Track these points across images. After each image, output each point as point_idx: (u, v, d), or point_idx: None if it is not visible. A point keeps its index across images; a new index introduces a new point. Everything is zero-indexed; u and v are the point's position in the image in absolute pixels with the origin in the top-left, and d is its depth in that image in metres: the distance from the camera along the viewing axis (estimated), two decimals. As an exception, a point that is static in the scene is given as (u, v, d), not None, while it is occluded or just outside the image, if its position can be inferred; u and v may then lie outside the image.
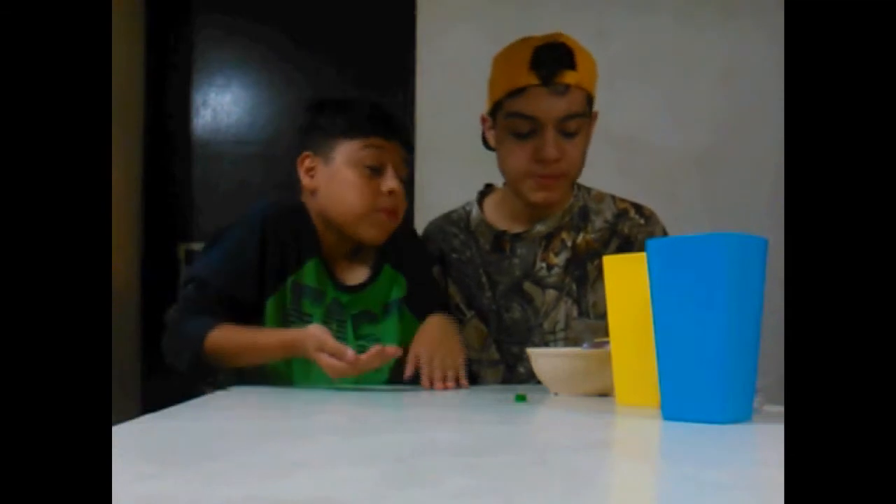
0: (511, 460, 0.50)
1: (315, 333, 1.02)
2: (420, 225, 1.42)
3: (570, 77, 1.17)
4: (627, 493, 0.42)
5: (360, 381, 1.09)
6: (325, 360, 1.00)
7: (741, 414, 0.68)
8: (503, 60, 1.23)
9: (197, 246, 2.37)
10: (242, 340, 1.08)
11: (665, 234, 1.31)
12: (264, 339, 1.09)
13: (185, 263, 2.38)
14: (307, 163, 1.20)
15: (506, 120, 1.21)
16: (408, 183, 1.24)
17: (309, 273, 1.16)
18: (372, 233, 1.17)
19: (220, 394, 1.00)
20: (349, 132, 1.16)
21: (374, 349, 1.00)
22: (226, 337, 1.07)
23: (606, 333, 0.87)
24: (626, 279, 0.83)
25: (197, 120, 2.46)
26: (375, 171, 1.16)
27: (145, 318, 2.33)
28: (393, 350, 1.01)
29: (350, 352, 0.98)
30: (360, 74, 2.43)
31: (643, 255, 0.72)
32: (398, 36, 2.44)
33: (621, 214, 1.31)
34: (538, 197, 1.23)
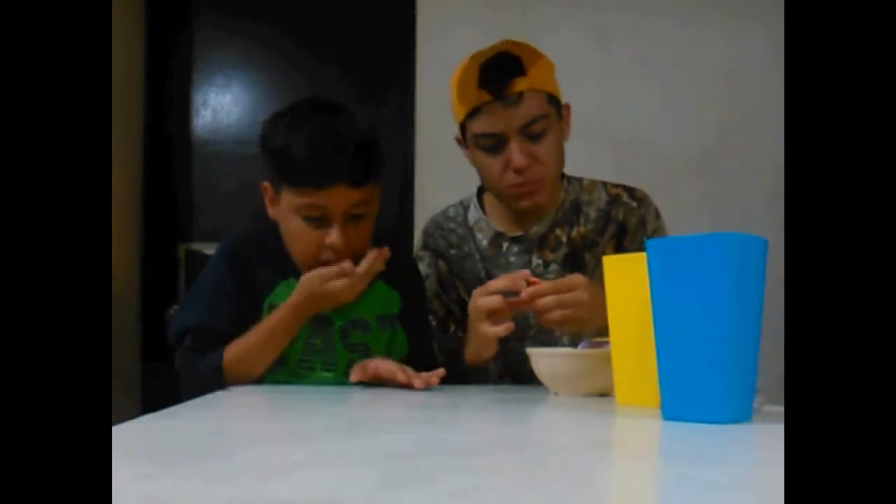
0: (511, 460, 0.50)
1: (309, 277, 1.07)
2: (420, 224, 1.42)
3: (520, 84, 1.17)
4: (627, 493, 0.42)
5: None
6: (332, 286, 1.04)
7: (741, 414, 0.68)
8: (457, 82, 1.24)
9: (197, 246, 2.37)
10: (256, 337, 1.09)
11: (658, 215, 1.32)
12: (274, 320, 1.09)
13: (185, 264, 2.38)
14: (269, 193, 1.15)
15: (473, 139, 1.23)
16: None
17: (282, 293, 1.13)
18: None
19: (220, 394, 1.00)
20: (285, 179, 1.09)
21: (371, 254, 1.06)
22: (238, 347, 1.08)
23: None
24: (626, 279, 0.84)
25: (197, 120, 2.46)
26: (319, 221, 1.08)
27: (145, 318, 2.33)
28: (385, 252, 1.07)
29: (347, 264, 1.03)
30: (360, 74, 2.43)
31: (643, 255, 0.72)
32: (398, 36, 2.44)
33: (614, 200, 1.32)
34: (523, 205, 1.24)
